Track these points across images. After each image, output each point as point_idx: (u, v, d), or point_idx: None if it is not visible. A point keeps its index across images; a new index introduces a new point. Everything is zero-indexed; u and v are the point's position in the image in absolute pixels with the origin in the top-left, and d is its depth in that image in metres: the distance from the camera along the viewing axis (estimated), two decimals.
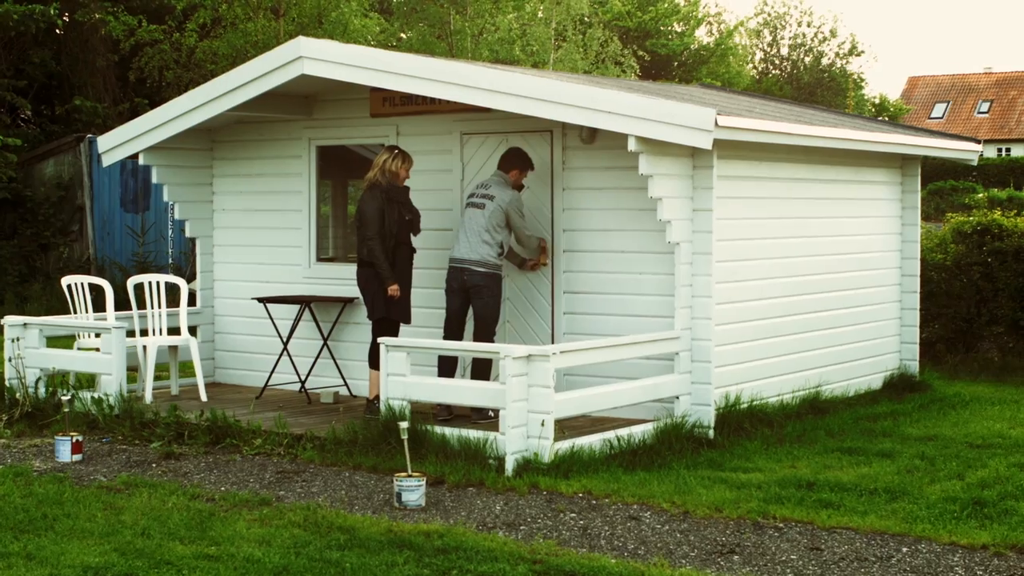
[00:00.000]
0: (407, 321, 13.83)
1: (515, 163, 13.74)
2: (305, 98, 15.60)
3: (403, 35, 37.22)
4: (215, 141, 16.50)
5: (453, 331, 13.73)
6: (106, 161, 16.15)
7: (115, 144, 15.94)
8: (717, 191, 13.02)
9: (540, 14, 38.89)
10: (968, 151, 17.38)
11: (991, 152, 78.19)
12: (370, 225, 13.55)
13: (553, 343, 13.81)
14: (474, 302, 13.61)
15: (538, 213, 14.12)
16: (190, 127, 15.37)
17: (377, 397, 13.45)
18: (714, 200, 12.98)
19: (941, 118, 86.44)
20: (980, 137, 63.93)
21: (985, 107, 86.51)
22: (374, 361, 13.64)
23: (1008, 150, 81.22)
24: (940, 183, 49.52)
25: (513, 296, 14.32)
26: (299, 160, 15.88)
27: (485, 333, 13.53)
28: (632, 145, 12.38)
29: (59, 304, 23.48)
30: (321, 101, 15.64)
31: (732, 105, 15.07)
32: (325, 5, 31.95)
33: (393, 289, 13.54)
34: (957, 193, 47.83)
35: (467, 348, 12.91)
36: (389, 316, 13.70)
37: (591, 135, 13.61)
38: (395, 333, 13.69)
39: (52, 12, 28.22)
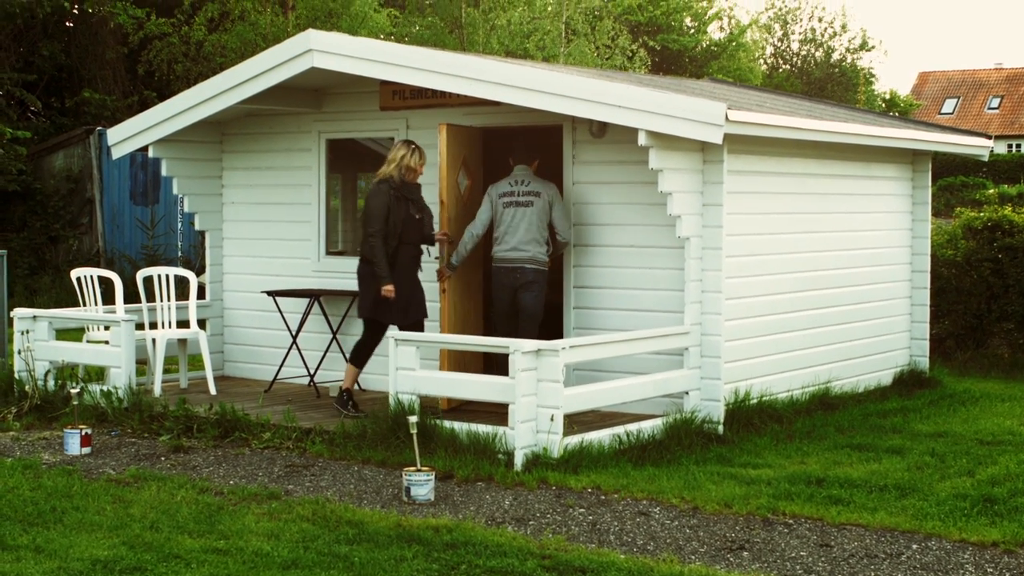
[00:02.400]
0: (397, 323, 13.44)
1: (532, 152, 13.79)
2: (315, 91, 15.58)
3: (414, 28, 37.18)
4: (224, 134, 16.49)
5: (505, 329, 13.71)
6: (116, 154, 16.15)
7: (125, 137, 15.94)
8: (727, 186, 12.99)
9: (550, 7, 38.82)
10: (979, 147, 17.35)
11: (1001, 148, 78.09)
12: (373, 221, 13.31)
13: (563, 337, 13.79)
14: (524, 296, 13.55)
15: None
16: (200, 120, 15.36)
17: (348, 391, 13.48)
18: (724, 195, 12.94)
19: (951, 114, 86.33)
20: (990, 133, 63.92)
21: (995, 103, 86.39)
22: (356, 357, 13.67)
23: (1019, 146, 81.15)
24: (950, 179, 49.48)
25: None
26: (309, 153, 15.86)
27: (532, 327, 13.55)
28: (642, 139, 12.35)
29: (68, 297, 23.50)
30: (331, 94, 15.62)
31: (743, 100, 15.03)
32: None
33: (387, 290, 13.26)
34: (967, 189, 47.79)
35: (477, 343, 12.88)
36: (373, 316, 13.54)
37: (601, 129, 13.58)
38: (380, 334, 13.65)
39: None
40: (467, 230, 13.69)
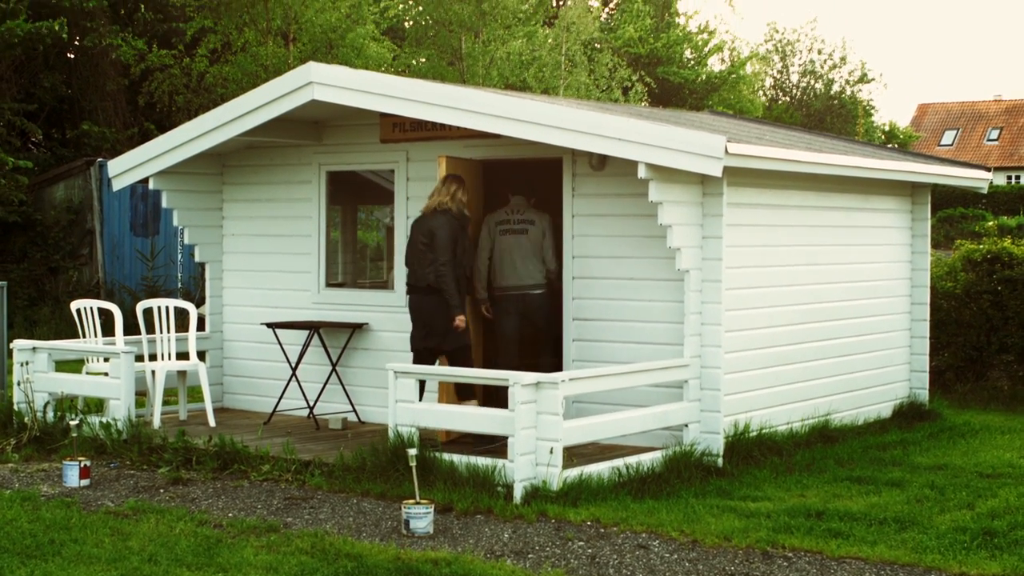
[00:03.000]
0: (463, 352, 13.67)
1: (530, 187, 14.14)
2: (315, 123, 15.62)
3: (414, 60, 37.27)
4: (225, 166, 16.52)
5: (511, 353, 13.85)
6: (116, 185, 16.18)
7: (125, 168, 15.97)
8: (727, 218, 13.01)
9: (550, 40, 38.91)
10: (978, 179, 17.36)
11: (1000, 180, 78.13)
12: (443, 250, 13.34)
13: (562, 370, 13.79)
14: (537, 321, 13.92)
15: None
16: (200, 152, 15.39)
17: (480, 436, 13.12)
18: (724, 227, 12.96)
19: (951, 145, 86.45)
20: (990, 164, 63.87)
21: (995, 134, 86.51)
22: (463, 390, 13.76)
23: (1018, 178, 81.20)
24: (950, 210, 49.49)
25: None
26: (309, 185, 15.88)
27: (551, 346, 13.85)
28: (642, 172, 12.37)
29: (68, 328, 23.48)
30: (331, 126, 15.66)
31: (742, 132, 15.06)
32: (338, 26, 31.97)
33: (460, 320, 13.40)
34: (967, 220, 47.79)
35: (476, 375, 12.88)
36: (442, 347, 13.57)
37: (601, 162, 13.61)
38: (470, 357, 13.71)
39: (57, 27, 28.18)
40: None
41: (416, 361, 13.60)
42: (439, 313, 13.45)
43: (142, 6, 34.01)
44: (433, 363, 13.51)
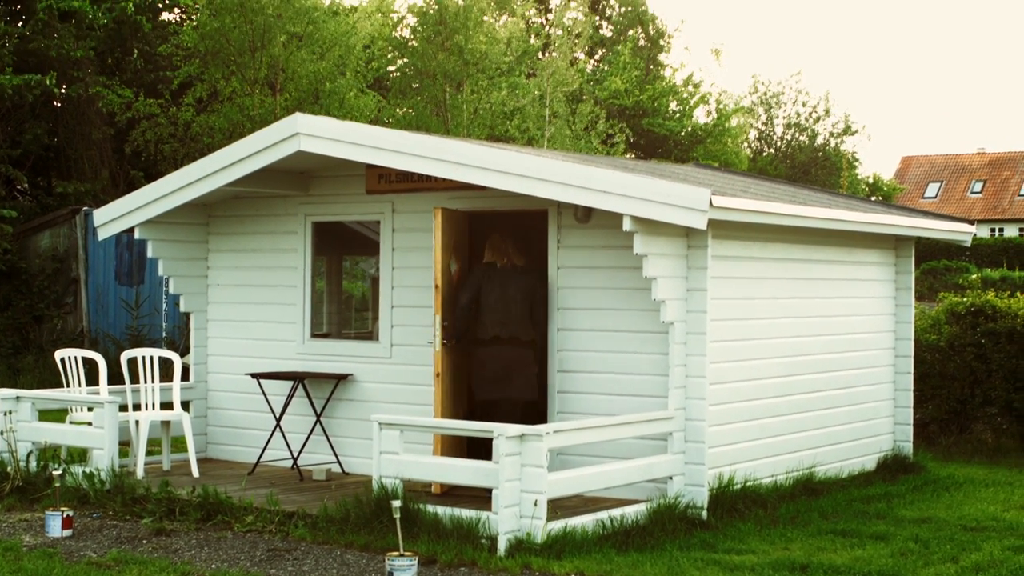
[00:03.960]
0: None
1: (520, 242, 14.25)
2: (301, 174, 15.65)
3: (399, 110, 37.32)
4: (211, 216, 16.54)
5: (496, 395, 14.00)
6: (102, 235, 16.18)
7: (111, 218, 15.98)
8: (712, 271, 13.05)
9: (535, 91, 39.01)
10: (962, 232, 17.43)
11: (984, 232, 78.47)
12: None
13: (546, 422, 13.79)
14: (517, 376, 13.93)
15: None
16: (186, 202, 15.41)
17: None
18: (709, 280, 13.00)
19: (935, 198, 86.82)
20: (973, 217, 64.09)
21: (978, 187, 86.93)
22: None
23: (1001, 230, 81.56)
24: (934, 262, 49.69)
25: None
26: (295, 236, 15.90)
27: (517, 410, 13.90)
28: (627, 225, 12.41)
29: (52, 377, 23.43)
30: (317, 177, 15.69)
31: (727, 185, 15.12)
32: (323, 75, 32.08)
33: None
34: (950, 273, 47.97)
35: (461, 427, 12.87)
36: (521, 396, 13.89)
37: (586, 214, 13.64)
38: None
39: (48, 82, 28.30)
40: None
41: (479, 415, 13.77)
42: (523, 365, 13.79)
43: (135, 52, 34.09)
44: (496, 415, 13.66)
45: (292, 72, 31.75)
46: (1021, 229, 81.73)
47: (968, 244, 17.87)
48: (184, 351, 22.88)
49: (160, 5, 35.58)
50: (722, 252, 13.38)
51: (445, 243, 13.90)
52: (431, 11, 36.25)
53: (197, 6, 32.18)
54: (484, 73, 36.72)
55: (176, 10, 36.50)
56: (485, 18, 36.99)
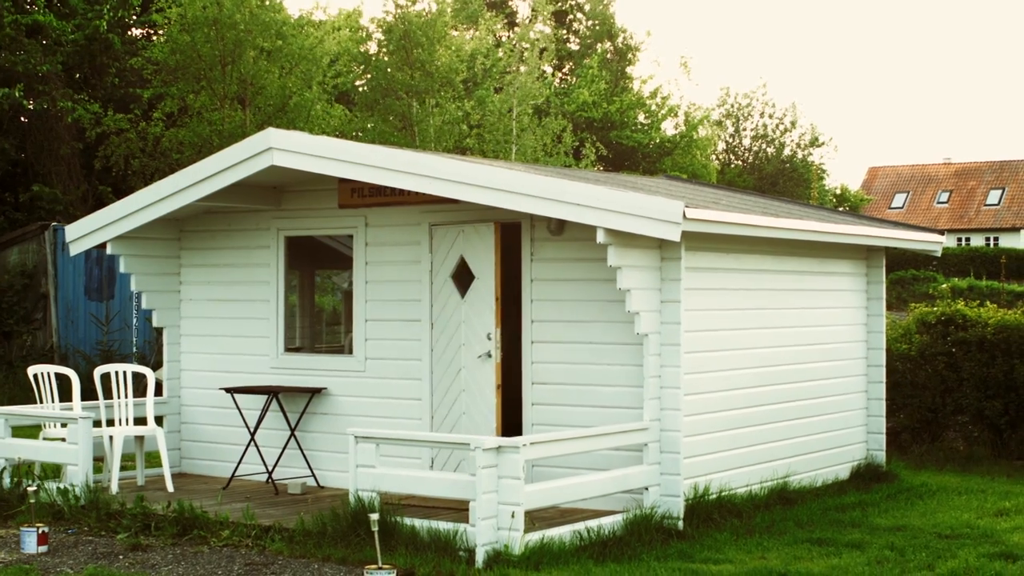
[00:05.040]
0: None
1: None
2: (274, 188, 15.65)
3: (369, 124, 37.24)
4: (183, 231, 16.51)
5: None
6: (74, 250, 16.14)
7: (83, 233, 15.95)
8: (685, 283, 13.10)
9: (501, 106, 39.01)
10: (932, 242, 17.53)
11: (951, 242, 78.85)
12: None
13: (503, 435, 13.81)
14: None
15: (486, 304, 14.19)
16: (158, 217, 15.38)
17: None
18: (682, 291, 13.05)
19: (901, 208, 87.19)
20: (940, 227, 64.37)
21: (944, 197, 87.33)
22: None
23: (968, 239, 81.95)
24: (901, 272, 49.93)
25: (468, 387, 14.32)
26: (267, 250, 15.90)
27: None
28: (601, 237, 12.45)
29: (22, 393, 23.33)
30: (290, 192, 15.69)
31: (699, 197, 15.18)
32: (291, 90, 32.04)
33: None
34: (918, 282, 48.21)
35: (437, 439, 12.88)
36: None
37: (559, 227, 13.68)
38: None
39: (16, 94, 28.19)
40: None
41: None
42: None
43: (113, 68, 33.98)
44: None
45: (260, 86, 31.72)
46: (987, 238, 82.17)
47: (938, 254, 17.99)
48: (155, 366, 22.82)
49: (129, 21, 35.48)
50: (695, 264, 13.43)
51: (498, 259, 14.09)
52: (398, 26, 36.24)
53: (168, 20, 32.09)
54: (450, 87, 36.74)
55: (145, 26, 36.41)
56: (454, 32, 37.01)
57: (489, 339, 14.15)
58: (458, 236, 14.44)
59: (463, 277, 14.45)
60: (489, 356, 14.19)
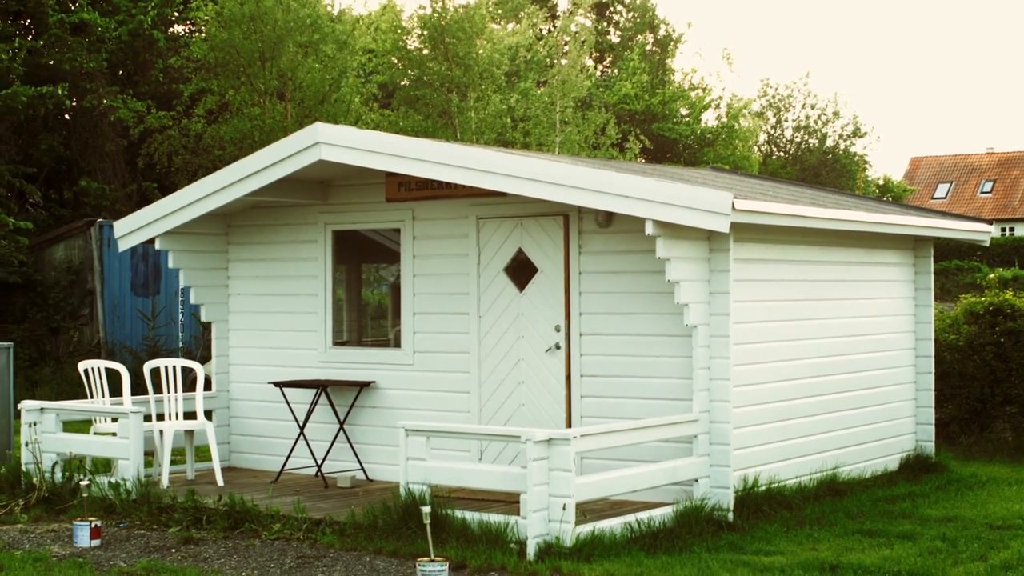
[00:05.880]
0: None
1: None
2: (321, 183, 15.69)
3: (403, 123, 37.24)
4: (230, 226, 16.58)
5: None
6: (122, 246, 16.21)
7: (131, 229, 16.03)
8: (734, 274, 13.08)
9: (545, 98, 39.00)
10: (980, 232, 17.46)
11: (994, 232, 78.37)
12: None
13: (570, 426, 13.81)
14: None
15: (552, 297, 14.17)
16: (206, 212, 15.45)
17: None
18: (731, 283, 13.03)
19: (944, 198, 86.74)
20: (984, 216, 63.87)
21: (988, 187, 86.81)
22: None
23: (1012, 229, 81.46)
24: (945, 263, 49.65)
25: (528, 379, 14.34)
26: (315, 244, 15.94)
27: None
28: (649, 229, 12.44)
29: (69, 388, 23.49)
30: (337, 186, 15.73)
31: (745, 188, 15.15)
32: (329, 83, 32.09)
33: None
34: (962, 273, 47.93)
35: (488, 432, 12.90)
36: None
37: (607, 219, 13.68)
38: None
39: (60, 92, 28.39)
40: None
41: None
42: None
43: (157, 64, 34.13)
44: None
45: (300, 81, 31.79)
46: None
47: (987, 244, 17.91)
48: (201, 360, 22.92)
49: (172, 18, 35.64)
50: (744, 255, 13.40)
51: (566, 252, 14.13)
52: (436, 20, 36.25)
53: (206, 18, 32.22)
54: (490, 80, 36.72)
55: (187, 23, 36.57)
56: (495, 26, 36.97)
57: (558, 331, 14.16)
58: (514, 229, 14.43)
59: (521, 270, 14.44)
60: (558, 348, 14.20)
